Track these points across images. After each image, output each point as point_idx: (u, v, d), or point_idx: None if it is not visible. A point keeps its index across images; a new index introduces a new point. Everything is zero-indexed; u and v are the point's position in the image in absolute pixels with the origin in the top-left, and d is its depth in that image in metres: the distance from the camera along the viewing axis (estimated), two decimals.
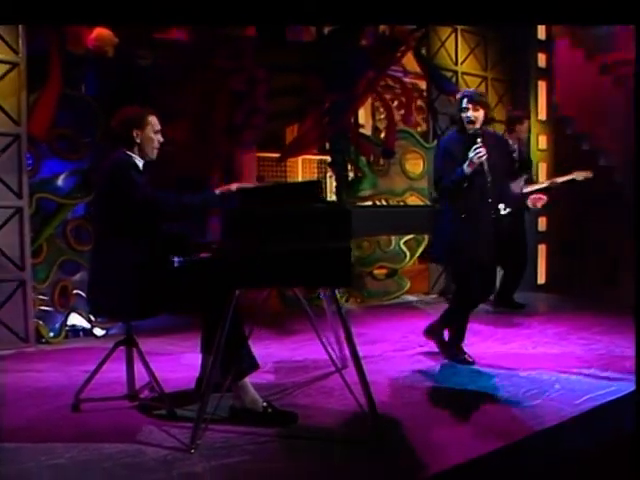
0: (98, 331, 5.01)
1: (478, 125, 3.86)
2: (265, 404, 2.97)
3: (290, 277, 2.59)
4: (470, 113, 3.84)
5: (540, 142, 7.24)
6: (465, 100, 3.89)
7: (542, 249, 7.31)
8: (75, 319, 4.96)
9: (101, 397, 3.14)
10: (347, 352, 3.95)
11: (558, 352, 4.28)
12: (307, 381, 3.65)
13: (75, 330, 5.00)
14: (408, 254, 6.55)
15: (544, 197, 4.66)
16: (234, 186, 3.00)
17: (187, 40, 5.81)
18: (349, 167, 6.74)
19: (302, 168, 8.81)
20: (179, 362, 4.01)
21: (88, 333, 4.96)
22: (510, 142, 5.58)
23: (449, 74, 6.71)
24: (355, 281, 6.43)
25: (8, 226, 4.31)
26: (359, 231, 2.82)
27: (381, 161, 6.52)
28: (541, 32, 7.21)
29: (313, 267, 2.56)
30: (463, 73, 6.83)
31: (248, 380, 3.00)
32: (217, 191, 3.00)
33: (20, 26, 4.30)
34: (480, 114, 3.86)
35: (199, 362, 3.31)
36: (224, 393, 2.95)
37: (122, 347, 3.13)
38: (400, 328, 5.10)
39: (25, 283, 4.37)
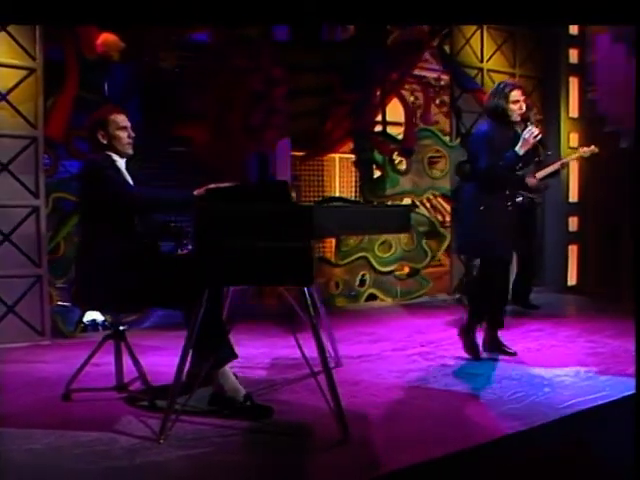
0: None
1: (523, 116, 4.01)
2: (245, 394, 3.08)
3: (251, 275, 2.68)
4: (523, 105, 3.97)
5: (571, 140, 7.09)
6: (516, 91, 3.99)
7: (573, 250, 7.16)
8: (94, 314, 5.19)
9: (90, 388, 3.30)
10: (340, 351, 4.12)
11: (560, 354, 4.24)
12: (297, 378, 3.72)
13: (94, 325, 5.23)
14: (429, 253, 6.55)
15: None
16: (211, 187, 3.11)
17: (208, 41, 5.99)
18: (374, 166, 6.80)
19: (339, 167, 8.89)
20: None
21: (107, 327, 5.19)
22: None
23: (474, 72, 6.66)
24: (379, 281, 6.51)
25: (25, 224, 4.55)
26: (329, 231, 2.90)
27: (402, 160, 6.56)
28: (573, 27, 7.06)
29: (273, 266, 2.64)
30: (489, 70, 6.76)
31: (229, 369, 3.11)
32: (195, 192, 3.12)
33: (37, 32, 4.54)
34: (525, 106, 4.01)
35: None
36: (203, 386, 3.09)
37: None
38: (409, 327, 5.13)
39: (41, 279, 4.61)
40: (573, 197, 7.17)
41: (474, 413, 3.10)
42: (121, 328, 5.15)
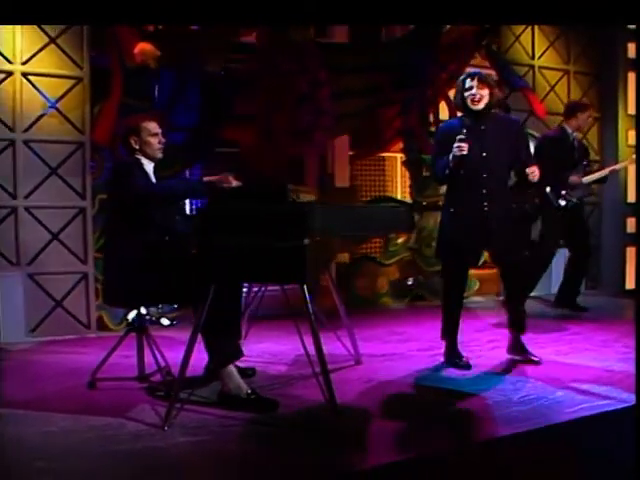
0: (165, 321, 5.51)
1: (482, 105, 3.78)
2: (249, 391, 3.24)
3: (248, 273, 2.84)
4: (475, 90, 3.75)
5: (630, 138, 6.88)
6: (469, 79, 3.80)
7: (631, 252, 6.94)
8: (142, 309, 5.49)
9: (114, 377, 3.55)
10: (366, 350, 4.22)
11: (588, 358, 4.16)
12: (313, 374, 3.84)
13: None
14: None
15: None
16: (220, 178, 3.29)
17: (254, 44, 6.20)
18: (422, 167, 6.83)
19: (401, 166, 8.93)
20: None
21: (155, 323, 5.48)
22: (569, 131, 5.47)
23: (524, 69, 6.59)
24: (426, 281, 6.55)
25: (73, 224, 4.90)
26: (327, 230, 3.01)
27: None
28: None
29: (268, 264, 2.79)
30: (540, 67, 6.68)
31: (234, 368, 3.28)
32: (205, 178, 3.32)
33: (84, 43, 4.88)
34: (485, 92, 3.77)
35: None
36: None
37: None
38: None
39: (87, 276, 4.94)
40: (631, 197, 6.94)
41: (475, 414, 3.14)
42: (165, 322, 5.53)
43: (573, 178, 5.41)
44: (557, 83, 6.77)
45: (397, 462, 2.59)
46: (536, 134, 6.33)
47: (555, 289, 6.49)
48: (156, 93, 5.68)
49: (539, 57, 6.68)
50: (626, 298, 6.67)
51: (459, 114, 3.99)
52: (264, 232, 2.76)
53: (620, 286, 6.90)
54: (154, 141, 3.51)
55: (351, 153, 7.05)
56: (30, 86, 4.73)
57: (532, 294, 5.97)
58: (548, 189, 5.44)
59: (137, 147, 3.49)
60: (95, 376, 3.54)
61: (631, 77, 6.92)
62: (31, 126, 4.75)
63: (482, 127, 3.79)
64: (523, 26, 6.57)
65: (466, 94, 3.79)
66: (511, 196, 4.00)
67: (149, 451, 2.70)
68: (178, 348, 4.11)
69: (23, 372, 3.91)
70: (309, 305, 2.93)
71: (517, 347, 4.06)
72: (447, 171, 3.77)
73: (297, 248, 2.73)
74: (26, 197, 4.74)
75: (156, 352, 3.54)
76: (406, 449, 2.73)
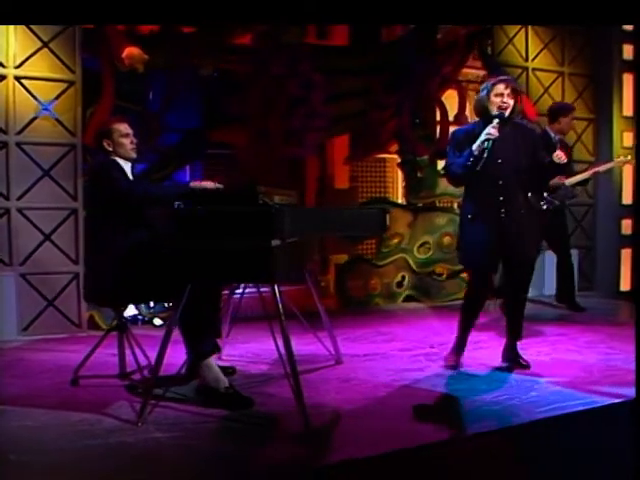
0: (157, 321, 5.62)
1: (508, 112, 3.79)
2: (227, 385, 3.33)
3: (218, 273, 2.93)
4: (506, 98, 3.77)
5: (625, 139, 6.91)
6: (502, 85, 3.81)
7: (626, 254, 6.97)
8: (133, 310, 5.60)
9: (95, 375, 3.66)
10: (349, 350, 4.31)
11: (568, 360, 4.22)
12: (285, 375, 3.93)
13: (135, 319, 5.64)
14: None
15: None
16: (206, 183, 3.39)
17: (247, 46, 6.30)
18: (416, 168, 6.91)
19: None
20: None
21: (147, 323, 5.60)
22: (551, 134, 5.52)
23: (518, 71, 6.64)
24: (418, 282, 6.63)
25: (65, 225, 5.01)
26: (296, 231, 3.08)
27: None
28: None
29: (237, 264, 2.88)
30: (534, 69, 6.73)
31: (213, 361, 3.38)
32: (191, 184, 3.42)
33: (76, 47, 4.99)
34: (512, 102, 3.80)
35: None
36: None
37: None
38: (428, 329, 5.23)
39: (79, 276, 5.04)
40: (627, 199, 6.98)
41: (443, 413, 3.23)
42: (158, 322, 5.63)
43: (554, 180, 5.46)
44: (551, 85, 6.81)
45: (361, 458, 2.68)
46: None
47: (548, 291, 6.58)
48: (150, 96, 5.82)
49: (533, 59, 6.72)
50: (620, 300, 6.71)
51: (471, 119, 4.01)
52: (232, 234, 2.85)
53: (615, 288, 6.93)
54: (126, 142, 3.62)
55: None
56: (23, 89, 4.85)
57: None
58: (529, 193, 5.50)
59: (111, 149, 3.61)
60: (77, 374, 3.65)
61: (627, 78, 6.95)
62: (24, 129, 4.87)
63: (494, 121, 3.75)
64: (517, 28, 6.63)
65: (496, 98, 3.80)
66: (528, 201, 4.00)
67: (119, 446, 2.80)
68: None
69: (10, 369, 4.02)
70: (279, 306, 3.01)
71: (512, 354, 4.05)
72: (468, 161, 3.74)
73: (264, 249, 2.82)
74: (19, 198, 4.86)
75: (137, 351, 3.65)
76: (371, 445, 2.80)
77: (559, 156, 3.78)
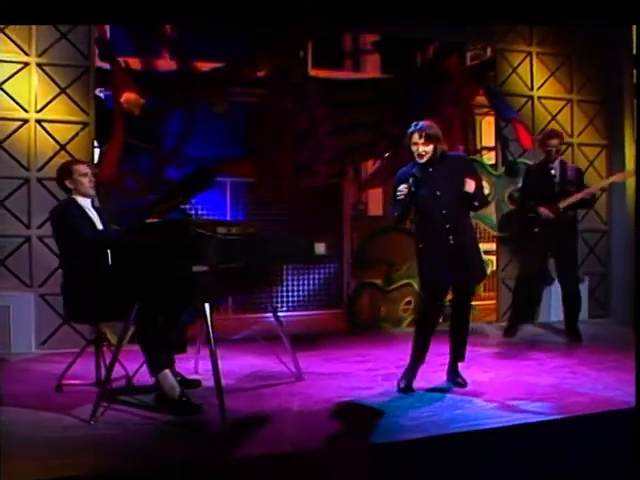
0: None
1: (425, 159, 4.22)
2: (180, 394, 3.91)
3: (150, 295, 3.55)
4: (420, 148, 4.20)
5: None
6: (416, 134, 4.22)
7: None
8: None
9: (76, 383, 4.35)
10: (316, 369, 4.82)
11: (521, 381, 4.56)
12: (257, 387, 4.50)
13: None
14: None
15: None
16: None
17: (256, 85, 6.98)
18: None
19: None
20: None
21: None
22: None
23: (522, 100, 6.98)
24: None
25: None
26: (228, 259, 3.66)
27: None
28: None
29: (167, 287, 3.49)
30: (540, 97, 7.03)
31: (168, 372, 3.97)
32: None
33: (90, 92, 5.81)
34: (429, 148, 4.19)
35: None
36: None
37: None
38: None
39: None
40: None
41: (356, 424, 3.69)
42: None
43: (542, 209, 5.78)
44: (559, 112, 7.09)
45: (261, 455, 3.20)
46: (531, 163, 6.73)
47: (553, 317, 6.83)
48: (164, 133, 6.60)
49: (539, 87, 7.04)
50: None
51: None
52: (159, 261, 3.47)
53: (630, 315, 7.04)
54: (84, 180, 4.30)
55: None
56: (43, 131, 5.71)
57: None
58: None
59: (72, 187, 4.30)
60: (61, 381, 4.36)
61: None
62: (44, 166, 5.71)
63: (430, 169, 4.25)
64: (520, 57, 6.99)
65: (413, 147, 4.23)
66: (472, 227, 4.54)
67: (66, 440, 3.44)
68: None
69: (14, 376, 4.78)
70: (209, 325, 3.60)
71: (453, 374, 4.46)
72: (396, 213, 4.30)
73: (187, 274, 3.42)
74: (39, 227, 5.68)
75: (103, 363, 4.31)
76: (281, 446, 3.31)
77: (469, 184, 4.17)
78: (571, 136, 7.16)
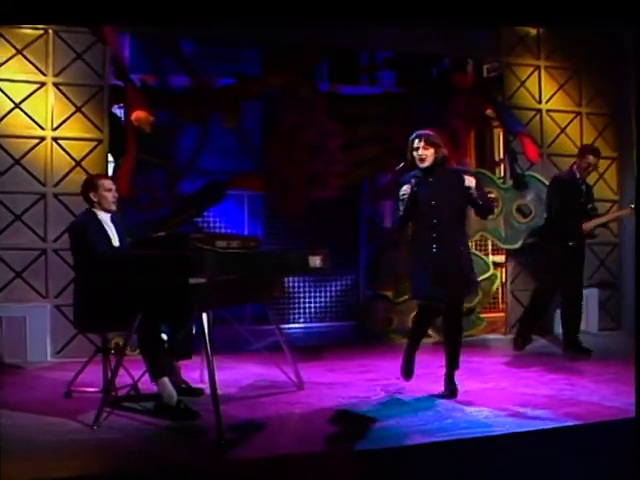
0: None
1: (428, 163, 4.46)
2: (178, 400, 4.12)
3: (150, 305, 3.77)
4: (421, 151, 4.47)
5: None
6: (417, 140, 4.50)
7: None
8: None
9: (84, 390, 4.58)
10: (319, 378, 5.00)
11: (519, 392, 4.68)
12: (258, 395, 4.69)
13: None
14: (480, 293, 7.04)
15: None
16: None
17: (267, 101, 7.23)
18: None
19: None
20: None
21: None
22: (578, 175, 6.05)
23: (531, 113, 7.10)
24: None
25: None
26: (223, 271, 3.86)
27: None
28: None
29: (164, 298, 3.71)
30: (548, 110, 7.15)
31: (167, 380, 4.18)
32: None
33: (104, 108, 6.10)
34: (430, 152, 4.45)
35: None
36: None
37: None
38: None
39: None
40: None
41: (346, 431, 3.86)
42: None
43: (586, 224, 5.93)
44: (568, 125, 7.20)
45: (252, 458, 3.39)
46: (539, 177, 6.85)
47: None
48: (177, 148, 6.88)
49: (547, 101, 7.16)
50: None
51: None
52: (159, 272, 3.69)
53: None
54: (108, 195, 4.53)
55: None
56: (59, 148, 6.00)
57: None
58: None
59: (95, 200, 4.54)
60: (70, 387, 4.60)
61: None
62: (60, 182, 6.00)
63: (430, 179, 4.49)
64: (528, 71, 7.12)
65: (414, 153, 4.52)
66: (462, 241, 4.67)
67: (70, 442, 3.66)
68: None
69: (27, 383, 5.05)
70: (205, 334, 3.80)
71: (449, 383, 4.59)
72: (400, 213, 4.52)
73: (182, 286, 3.63)
74: (55, 240, 5.96)
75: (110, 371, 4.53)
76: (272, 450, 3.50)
77: (469, 180, 4.41)
78: None
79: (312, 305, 8.97)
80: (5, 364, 5.70)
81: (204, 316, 3.79)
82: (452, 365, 4.59)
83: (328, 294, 9.12)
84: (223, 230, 7.98)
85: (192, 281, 3.66)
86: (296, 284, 8.50)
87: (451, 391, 4.54)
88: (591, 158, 6.02)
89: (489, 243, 7.78)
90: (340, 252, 6.80)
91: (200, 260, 3.65)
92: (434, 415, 4.14)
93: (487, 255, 7.71)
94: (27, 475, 3.20)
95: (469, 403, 4.39)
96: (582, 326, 6.40)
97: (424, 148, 4.45)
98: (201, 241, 3.90)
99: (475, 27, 6.49)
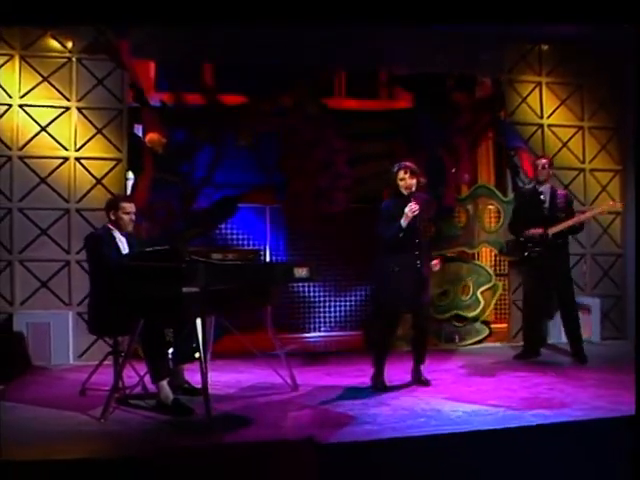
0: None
1: (412, 190, 5.25)
2: (173, 399, 4.70)
3: (148, 314, 4.37)
4: (407, 181, 5.24)
5: None
6: (402, 171, 5.27)
7: None
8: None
9: (97, 388, 5.20)
10: (317, 381, 5.54)
11: (497, 395, 5.12)
12: (253, 395, 5.24)
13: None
14: (482, 303, 7.47)
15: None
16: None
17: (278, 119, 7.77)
18: None
19: None
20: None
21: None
22: (536, 185, 6.52)
23: (533, 128, 7.52)
24: (432, 326, 7.59)
25: None
26: (213, 282, 4.43)
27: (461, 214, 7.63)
28: None
29: (159, 307, 4.30)
30: (550, 125, 7.55)
31: (165, 382, 4.77)
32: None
33: (123, 130, 6.76)
34: (414, 181, 5.26)
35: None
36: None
37: None
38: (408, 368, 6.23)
39: None
40: None
41: (322, 426, 4.36)
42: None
43: (531, 231, 6.31)
44: (570, 139, 7.59)
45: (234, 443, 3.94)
46: None
47: (564, 338, 7.26)
48: (193, 165, 7.47)
49: (549, 116, 7.56)
50: None
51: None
52: (157, 281, 4.27)
53: None
54: (127, 218, 5.15)
55: None
56: (81, 167, 6.68)
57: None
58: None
59: (113, 218, 5.16)
60: (85, 386, 5.22)
61: None
62: (82, 198, 6.68)
63: (412, 199, 5.21)
64: (530, 87, 7.54)
65: (400, 182, 5.29)
66: (432, 256, 5.53)
67: (79, 433, 4.28)
68: None
69: (49, 382, 5.70)
70: (200, 339, 4.37)
71: (416, 374, 5.47)
72: (401, 233, 5.15)
73: (177, 294, 4.21)
74: (77, 253, 6.62)
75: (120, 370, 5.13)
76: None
77: (412, 208, 5.04)
78: (583, 162, 7.66)
79: (333, 314, 9.48)
80: (33, 366, 6.37)
81: (198, 322, 4.37)
82: (420, 359, 5.52)
83: (349, 303, 9.62)
84: (245, 242, 8.55)
85: (185, 290, 4.24)
86: (318, 293, 9.00)
87: (421, 380, 5.39)
88: (537, 161, 6.49)
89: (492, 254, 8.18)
90: (362, 263, 7.30)
91: (193, 271, 4.23)
92: (410, 415, 4.61)
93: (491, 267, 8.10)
94: (40, 456, 3.79)
95: (445, 404, 4.86)
96: (585, 335, 6.79)
97: (410, 178, 5.22)
98: (197, 253, 4.49)
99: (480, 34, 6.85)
